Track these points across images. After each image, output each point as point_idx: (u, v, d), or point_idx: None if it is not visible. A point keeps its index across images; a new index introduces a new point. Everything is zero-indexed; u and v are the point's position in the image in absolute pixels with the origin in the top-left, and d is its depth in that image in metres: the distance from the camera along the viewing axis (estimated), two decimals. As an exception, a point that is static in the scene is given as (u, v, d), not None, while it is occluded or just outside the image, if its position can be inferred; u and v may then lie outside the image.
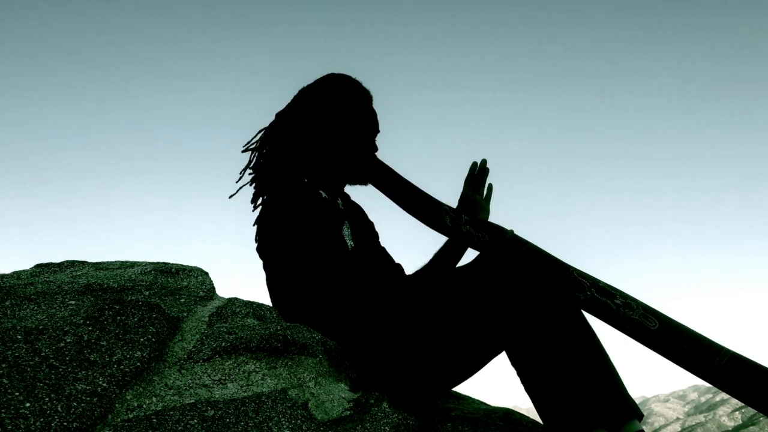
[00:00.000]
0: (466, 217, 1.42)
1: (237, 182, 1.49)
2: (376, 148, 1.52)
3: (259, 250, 1.39)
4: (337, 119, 1.43)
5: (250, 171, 1.48)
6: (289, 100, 1.53)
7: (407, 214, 1.50)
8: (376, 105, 1.53)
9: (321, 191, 1.39)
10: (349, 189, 1.58)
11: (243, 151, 1.51)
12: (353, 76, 1.52)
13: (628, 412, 1.18)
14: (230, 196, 1.47)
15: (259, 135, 1.51)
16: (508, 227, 1.41)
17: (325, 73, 1.52)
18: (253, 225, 1.42)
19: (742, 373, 1.08)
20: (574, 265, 1.31)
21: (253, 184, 1.47)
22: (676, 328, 1.17)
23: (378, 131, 1.52)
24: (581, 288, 1.23)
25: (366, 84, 1.52)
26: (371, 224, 1.59)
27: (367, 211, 1.64)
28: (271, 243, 1.34)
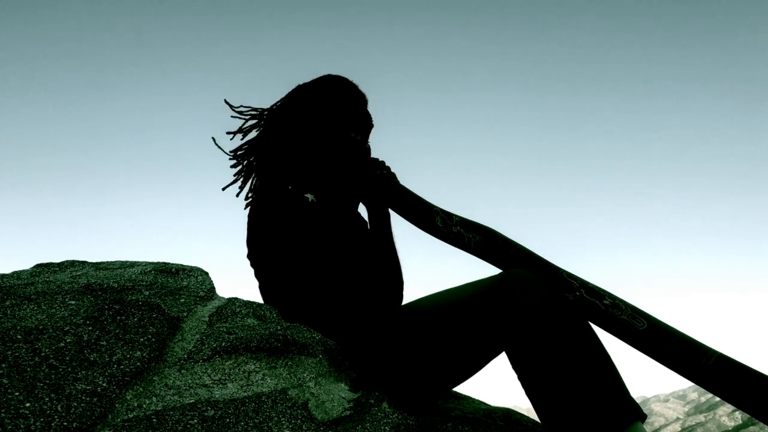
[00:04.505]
0: (457, 218, 1.42)
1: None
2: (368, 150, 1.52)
3: (250, 257, 1.38)
4: (330, 119, 1.43)
5: (231, 155, 1.50)
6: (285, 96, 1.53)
7: (397, 215, 1.50)
8: (373, 107, 1.53)
9: (308, 195, 1.39)
10: None
11: (230, 134, 1.52)
12: (350, 78, 1.52)
13: (631, 414, 1.18)
14: (237, 195, 1.48)
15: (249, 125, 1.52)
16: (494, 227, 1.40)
17: (323, 74, 1.52)
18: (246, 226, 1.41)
19: (729, 374, 1.09)
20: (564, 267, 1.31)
21: (239, 174, 1.48)
22: (663, 329, 1.18)
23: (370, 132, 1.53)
24: (570, 289, 1.24)
25: (363, 85, 1.52)
26: (364, 223, 1.60)
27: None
28: (264, 248, 1.34)
